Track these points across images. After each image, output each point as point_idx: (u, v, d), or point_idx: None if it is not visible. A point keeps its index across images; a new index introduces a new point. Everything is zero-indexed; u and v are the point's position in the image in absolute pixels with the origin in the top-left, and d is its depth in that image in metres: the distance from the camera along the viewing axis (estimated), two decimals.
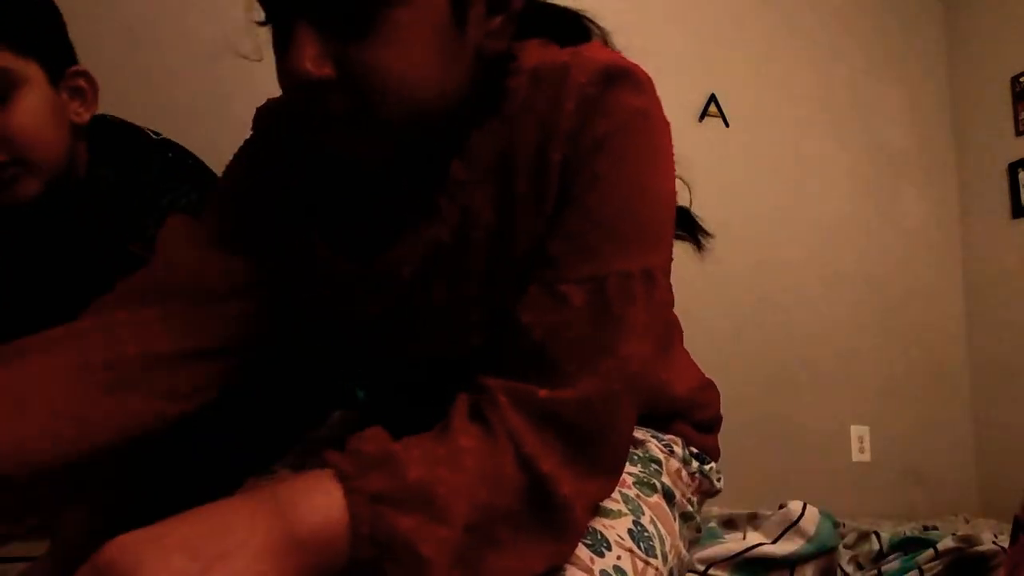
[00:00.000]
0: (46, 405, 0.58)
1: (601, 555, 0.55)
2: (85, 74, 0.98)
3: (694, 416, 0.78)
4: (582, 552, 0.55)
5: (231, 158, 0.74)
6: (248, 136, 0.74)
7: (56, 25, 0.97)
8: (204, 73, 2.29)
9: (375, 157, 0.59)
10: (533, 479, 0.49)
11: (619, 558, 0.56)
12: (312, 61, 0.52)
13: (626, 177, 0.56)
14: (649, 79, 0.60)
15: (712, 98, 2.86)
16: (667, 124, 0.61)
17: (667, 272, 0.59)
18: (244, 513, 0.43)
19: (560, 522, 0.50)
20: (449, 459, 0.48)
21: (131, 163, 0.99)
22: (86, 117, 0.98)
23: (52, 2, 0.95)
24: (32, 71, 0.90)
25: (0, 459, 0.55)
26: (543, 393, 0.51)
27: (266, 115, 0.73)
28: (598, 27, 0.70)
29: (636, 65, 0.59)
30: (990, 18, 3.15)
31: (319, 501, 0.45)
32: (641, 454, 0.71)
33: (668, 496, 0.69)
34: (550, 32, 0.65)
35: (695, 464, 0.76)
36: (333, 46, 0.53)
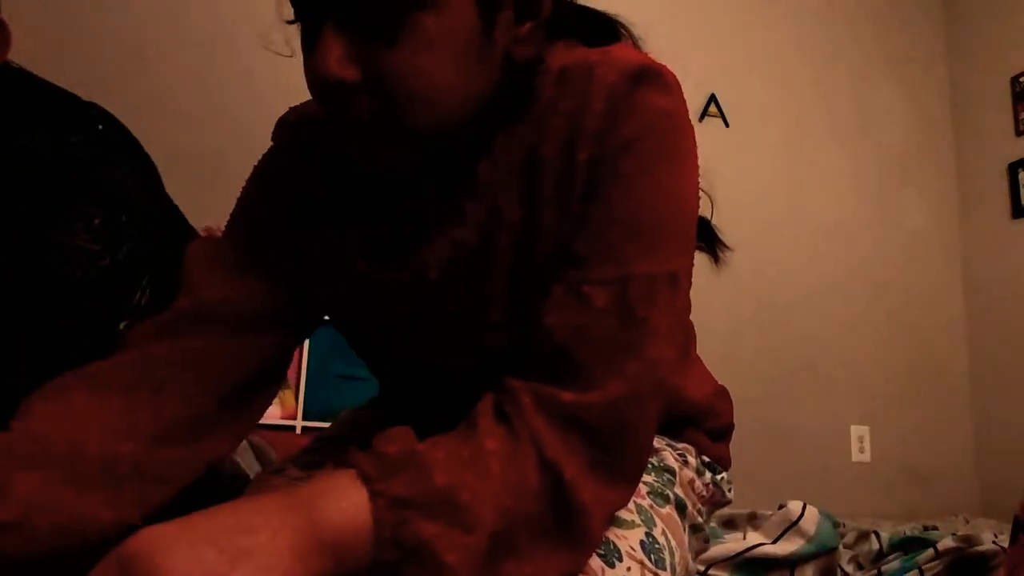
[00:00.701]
0: (106, 468, 0.57)
1: (612, 566, 0.55)
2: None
3: (707, 424, 0.78)
4: (593, 562, 0.54)
5: (251, 172, 0.73)
6: (251, 144, 0.74)
7: None
8: (207, 73, 2.29)
9: (400, 162, 0.58)
10: (555, 484, 0.49)
11: (629, 570, 0.56)
12: (338, 62, 0.52)
13: (652, 179, 0.56)
14: (677, 82, 0.59)
15: (712, 98, 2.86)
16: (692, 128, 0.61)
17: (690, 277, 0.59)
18: (270, 512, 0.43)
19: (579, 530, 0.50)
20: (474, 462, 0.48)
21: (54, 129, 0.83)
22: None
23: None
24: None
25: (65, 534, 0.54)
26: (567, 396, 0.51)
27: (288, 124, 0.72)
28: (629, 32, 0.70)
29: (665, 67, 0.59)
30: (990, 18, 3.15)
31: (343, 503, 0.44)
32: (656, 463, 0.70)
33: (680, 507, 0.68)
34: (580, 34, 0.65)
35: (708, 475, 0.75)
36: (360, 49, 0.53)
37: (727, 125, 2.88)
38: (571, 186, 0.57)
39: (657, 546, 0.60)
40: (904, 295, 3.06)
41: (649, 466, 0.69)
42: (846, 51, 3.13)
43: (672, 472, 0.71)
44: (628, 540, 0.58)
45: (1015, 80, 3.01)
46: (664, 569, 0.59)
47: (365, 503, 0.44)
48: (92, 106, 0.88)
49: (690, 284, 0.59)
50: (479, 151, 0.60)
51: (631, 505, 0.61)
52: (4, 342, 0.77)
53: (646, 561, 0.58)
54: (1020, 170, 2.97)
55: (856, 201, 3.05)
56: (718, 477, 0.77)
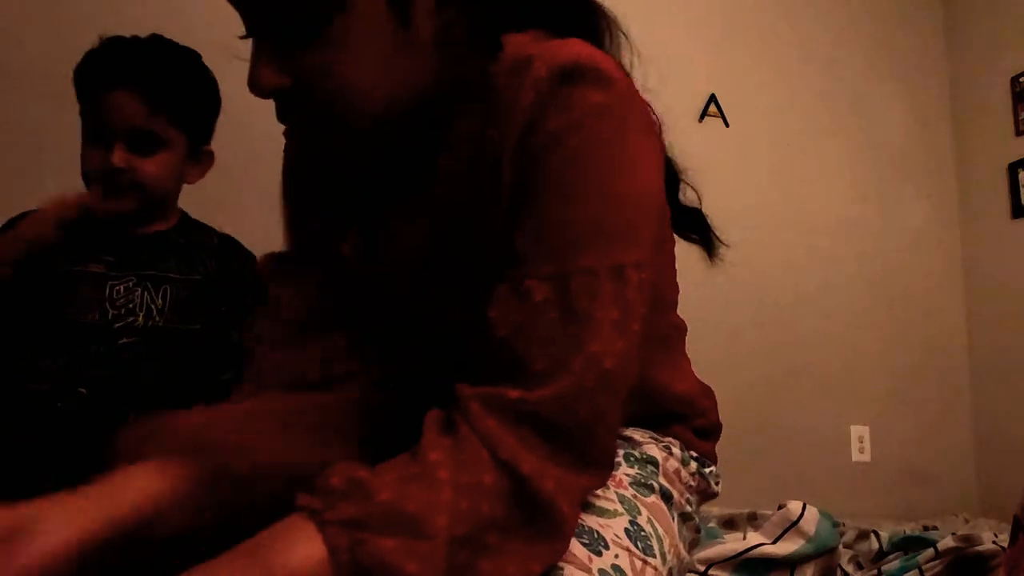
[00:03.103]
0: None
1: (599, 554, 0.55)
2: (211, 153, 1.29)
3: (693, 422, 0.78)
4: (579, 551, 0.54)
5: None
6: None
7: (211, 113, 1.27)
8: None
9: (348, 156, 0.62)
10: (514, 481, 0.49)
11: (616, 557, 0.56)
12: (267, 73, 0.56)
13: (585, 174, 0.56)
14: (620, 77, 0.59)
15: (712, 98, 2.86)
16: (641, 121, 0.60)
17: (645, 268, 0.58)
18: (224, 574, 0.44)
19: (549, 520, 0.50)
20: (421, 475, 0.48)
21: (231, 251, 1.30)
22: (194, 180, 1.27)
23: (216, 93, 1.25)
24: (178, 141, 1.19)
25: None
26: (514, 394, 0.51)
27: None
28: (606, 18, 0.70)
29: (608, 61, 0.59)
30: (990, 18, 3.15)
31: (296, 542, 0.45)
32: (638, 455, 0.71)
33: (665, 496, 0.69)
34: (551, 22, 0.65)
35: (694, 465, 0.76)
36: (290, 58, 0.56)
37: (727, 125, 2.88)
38: (501, 178, 0.58)
39: (643, 533, 0.60)
40: (904, 295, 3.06)
41: (631, 458, 0.69)
42: (846, 51, 3.13)
43: (655, 463, 0.71)
44: (612, 528, 0.58)
45: (1015, 80, 3.01)
46: (653, 556, 0.59)
47: (316, 535, 0.45)
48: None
49: (649, 275, 0.58)
50: (439, 141, 0.62)
51: (612, 495, 0.62)
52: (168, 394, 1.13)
53: (633, 548, 0.58)
54: (1020, 170, 2.97)
55: (856, 201, 3.05)
56: (705, 470, 0.77)
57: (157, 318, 1.16)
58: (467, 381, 0.54)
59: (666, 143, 0.71)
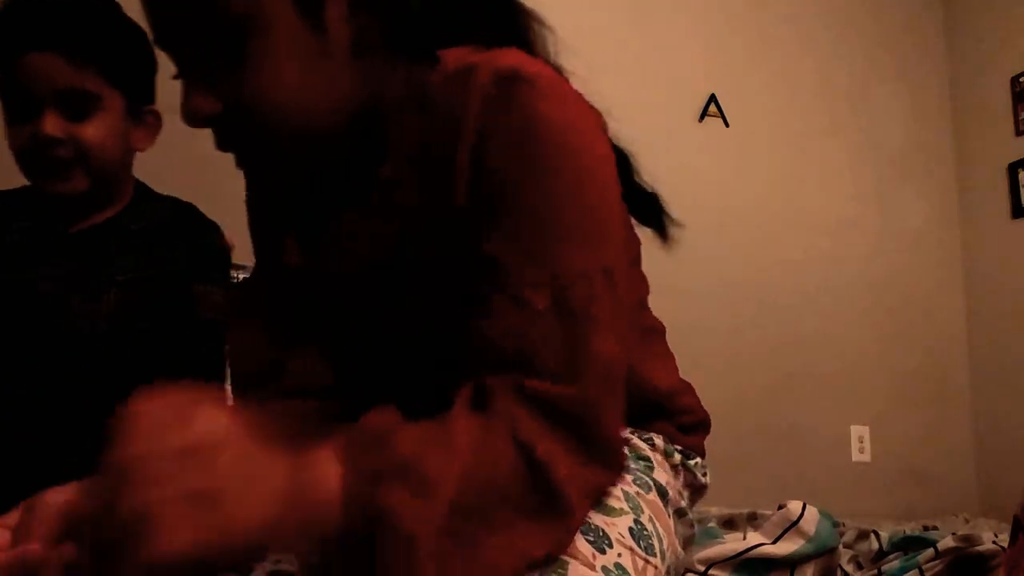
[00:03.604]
0: None
1: (603, 551, 0.56)
2: (156, 113, 1.12)
3: (676, 419, 0.78)
4: (584, 547, 0.55)
5: None
6: None
7: (148, 69, 1.10)
8: None
9: (285, 172, 0.63)
10: (529, 464, 0.51)
11: (620, 555, 0.57)
12: (199, 102, 0.58)
13: (551, 184, 0.57)
14: (559, 80, 0.61)
15: (712, 98, 2.86)
16: (588, 120, 0.62)
17: (621, 268, 0.60)
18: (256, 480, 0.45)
19: (558, 506, 0.51)
20: (442, 440, 0.49)
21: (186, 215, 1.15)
22: (144, 146, 1.11)
23: (148, 46, 1.06)
24: (115, 102, 1.05)
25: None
26: (540, 385, 0.53)
27: None
28: (529, 15, 0.71)
29: (544, 70, 0.60)
30: (990, 18, 3.15)
31: (319, 479, 0.47)
32: (631, 453, 0.71)
33: (662, 493, 0.69)
34: (481, 29, 0.66)
35: (678, 457, 0.76)
36: (216, 85, 0.58)
37: (727, 125, 2.88)
38: (454, 185, 0.59)
39: (646, 532, 0.61)
40: (904, 295, 3.06)
41: (629, 455, 0.70)
42: (846, 51, 3.13)
43: (648, 459, 0.71)
44: (617, 527, 0.59)
45: (1015, 80, 3.01)
46: (654, 555, 0.60)
47: (338, 478, 0.47)
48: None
49: (626, 274, 0.61)
50: (376, 151, 0.63)
51: (618, 492, 0.62)
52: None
53: (636, 547, 0.59)
54: (1020, 170, 2.97)
55: (856, 201, 3.05)
56: (690, 462, 0.77)
57: (104, 328, 1.03)
58: (447, 381, 0.55)
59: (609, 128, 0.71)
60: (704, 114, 2.85)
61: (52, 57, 0.98)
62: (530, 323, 0.54)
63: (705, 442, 0.81)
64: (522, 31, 0.70)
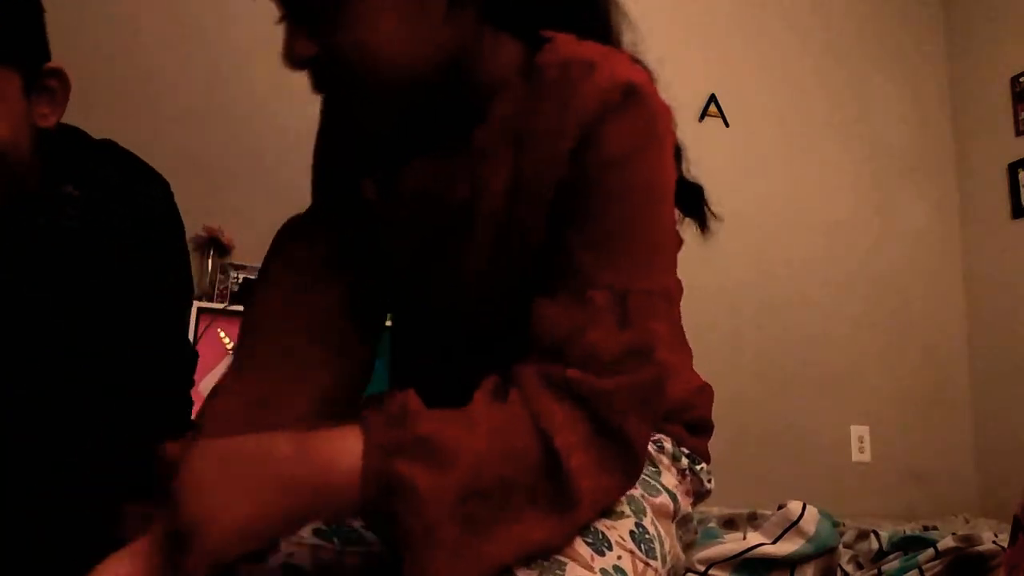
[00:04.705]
0: None
1: (602, 554, 0.56)
2: (58, 73, 0.87)
3: (684, 416, 0.78)
4: (583, 550, 0.55)
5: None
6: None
7: (34, 22, 0.86)
8: (206, 73, 2.30)
9: (377, 121, 0.66)
10: (546, 449, 0.52)
11: (619, 558, 0.57)
12: (296, 46, 0.61)
13: (640, 201, 0.61)
14: (659, 102, 0.64)
15: (712, 98, 2.86)
16: (671, 141, 0.65)
17: (679, 294, 0.65)
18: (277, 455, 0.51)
19: (566, 497, 0.52)
20: (461, 422, 0.52)
21: (97, 180, 0.91)
22: (52, 120, 0.87)
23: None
24: (6, 81, 0.81)
25: None
26: (575, 374, 0.54)
27: None
28: (622, 14, 0.74)
29: (652, 86, 0.64)
30: (990, 18, 3.15)
31: (341, 452, 0.51)
32: None
33: (671, 497, 0.69)
34: (576, 16, 0.70)
35: (685, 461, 0.76)
36: (315, 32, 0.61)
37: (727, 125, 2.89)
38: (551, 174, 0.61)
39: (647, 536, 0.61)
40: (904, 295, 3.06)
41: None
42: (846, 51, 3.13)
43: (655, 464, 0.72)
44: (617, 530, 0.59)
45: (1015, 80, 3.01)
46: (655, 559, 0.60)
47: (359, 452, 0.50)
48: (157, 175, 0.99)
49: (679, 298, 0.67)
50: (473, 115, 0.66)
51: (623, 496, 0.62)
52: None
53: (636, 551, 0.59)
54: (1020, 170, 2.97)
55: (856, 201, 3.05)
56: (697, 467, 0.77)
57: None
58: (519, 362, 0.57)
59: None
60: (704, 114, 2.85)
61: None
62: (589, 319, 0.57)
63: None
64: (607, 20, 0.73)
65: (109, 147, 0.97)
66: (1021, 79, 2.99)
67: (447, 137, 0.68)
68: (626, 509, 0.61)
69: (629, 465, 0.57)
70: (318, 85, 0.64)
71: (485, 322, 0.69)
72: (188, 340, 1.06)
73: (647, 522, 0.62)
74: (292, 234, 0.78)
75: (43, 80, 0.86)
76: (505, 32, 0.67)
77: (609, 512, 0.60)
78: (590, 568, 0.54)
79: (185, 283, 1.04)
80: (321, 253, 0.76)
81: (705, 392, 0.82)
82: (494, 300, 0.67)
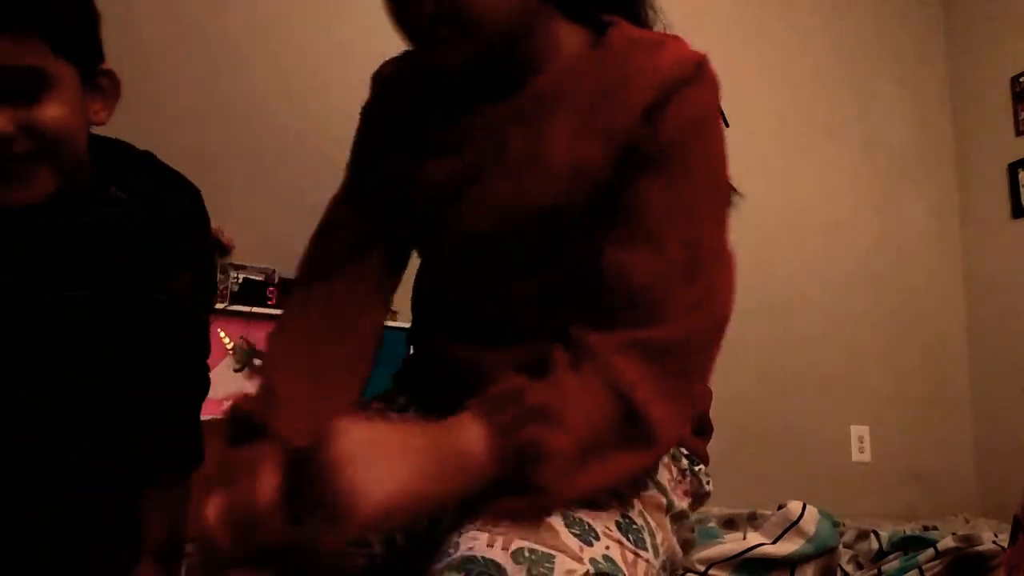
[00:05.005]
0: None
1: (590, 544, 0.56)
2: (110, 73, 0.95)
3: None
4: (571, 541, 0.55)
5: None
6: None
7: (93, 25, 0.92)
8: (206, 72, 2.30)
9: (461, 56, 0.68)
10: (627, 406, 0.58)
11: (608, 548, 0.57)
12: (426, 3, 0.64)
13: (711, 166, 0.69)
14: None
15: None
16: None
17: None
18: (421, 442, 0.56)
19: (648, 439, 0.59)
20: (558, 393, 0.58)
21: (133, 189, 0.96)
22: (103, 118, 0.93)
23: (92, 1, 0.91)
24: (66, 72, 0.86)
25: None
26: (642, 335, 0.60)
27: (383, 70, 0.86)
28: (654, 10, 0.84)
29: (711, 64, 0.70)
30: (990, 18, 3.16)
31: (465, 430, 0.56)
32: None
33: (662, 491, 0.69)
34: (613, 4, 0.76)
35: (684, 462, 0.76)
36: None
37: (727, 125, 2.88)
38: (622, 125, 0.66)
39: (635, 526, 0.62)
40: (904, 295, 3.06)
41: None
42: (846, 51, 3.13)
43: None
44: (602, 520, 0.60)
45: (1015, 80, 3.01)
46: (645, 549, 0.61)
47: (483, 426, 0.56)
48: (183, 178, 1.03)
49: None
50: (534, 65, 0.71)
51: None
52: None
53: (624, 540, 0.59)
54: (1020, 170, 2.97)
55: (856, 201, 3.05)
56: (696, 468, 0.77)
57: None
58: (581, 326, 0.62)
59: None
60: None
61: None
62: (666, 270, 0.62)
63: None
64: (642, 11, 0.81)
65: (148, 159, 1.02)
66: (1021, 79, 2.99)
67: (501, 94, 0.73)
68: (611, 501, 0.62)
69: (690, 401, 0.65)
70: (433, 31, 0.67)
71: (515, 249, 0.72)
72: (202, 340, 1.06)
73: (634, 513, 0.63)
74: (341, 200, 0.84)
75: (97, 79, 0.92)
76: (561, 15, 0.72)
77: (592, 504, 0.60)
78: (579, 559, 0.54)
79: (202, 284, 1.06)
80: (365, 216, 0.82)
81: (705, 392, 0.82)
82: (526, 227, 0.71)
